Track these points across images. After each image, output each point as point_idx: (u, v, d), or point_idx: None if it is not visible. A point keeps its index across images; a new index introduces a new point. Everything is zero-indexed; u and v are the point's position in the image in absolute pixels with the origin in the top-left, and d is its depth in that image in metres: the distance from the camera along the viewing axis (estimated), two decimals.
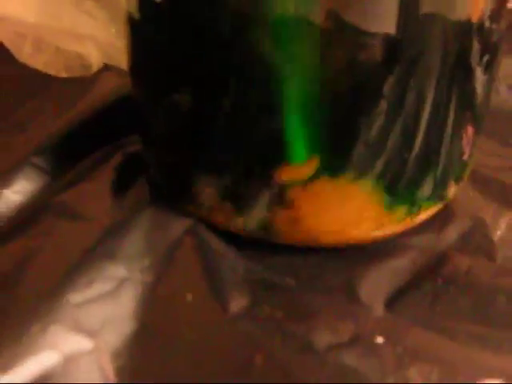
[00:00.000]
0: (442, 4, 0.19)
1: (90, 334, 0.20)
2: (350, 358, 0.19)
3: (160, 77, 0.23)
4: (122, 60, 0.25)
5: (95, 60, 0.29)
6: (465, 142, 0.24)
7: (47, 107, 0.29)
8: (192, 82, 0.21)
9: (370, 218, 0.23)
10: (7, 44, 0.30)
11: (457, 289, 0.23)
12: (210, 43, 0.20)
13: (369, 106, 0.20)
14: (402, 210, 0.23)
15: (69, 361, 0.19)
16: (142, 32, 0.22)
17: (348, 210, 0.23)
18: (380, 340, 0.20)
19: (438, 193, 0.24)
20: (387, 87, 0.20)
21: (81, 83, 0.30)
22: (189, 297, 0.21)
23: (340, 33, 0.19)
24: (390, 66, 0.20)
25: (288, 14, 0.18)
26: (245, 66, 0.20)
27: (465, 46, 0.21)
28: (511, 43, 0.31)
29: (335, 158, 0.21)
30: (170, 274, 0.22)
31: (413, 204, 0.23)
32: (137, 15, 0.21)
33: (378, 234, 0.24)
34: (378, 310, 0.22)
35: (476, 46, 0.21)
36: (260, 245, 0.23)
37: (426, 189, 0.23)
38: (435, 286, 0.23)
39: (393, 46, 0.19)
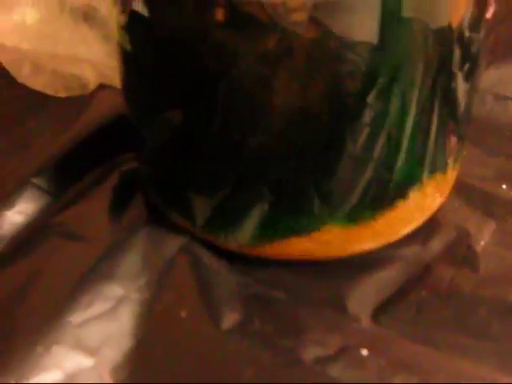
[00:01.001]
0: (422, 11, 0.20)
1: (91, 351, 0.21)
2: (335, 371, 0.21)
3: (151, 97, 0.23)
4: (116, 79, 0.26)
5: (91, 80, 0.30)
6: (448, 151, 0.25)
7: (47, 126, 0.30)
8: (181, 103, 0.22)
9: (355, 231, 0.24)
10: (7, 66, 0.31)
11: (440, 300, 0.23)
12: (198, 73, 0.21)
13: (354, 117, 0.21)
14: (387, 223, 0.24)
15: (71, 378, 0.20)
16: (132, 61, 0.23)
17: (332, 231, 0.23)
18: (365, 352, 0.21)
19: (423, 204, 0.25)
20: (371, 97, 0.21)
21: (79, 102, 0.31)
22: (183, 313, 0.22)
23: (322, 43, 0.19)
24: (373, 76, 0.20)
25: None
26: (229, 92, 0.21)
27: (446, 54, 0.21)
28: (496, 54, 0.32)
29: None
30: (165, 291, 0.23)
31: (398, 216, 0.24)
32: (128, 47, 0.22)
33: (365, 247, 0.25)
34: (365, 321, 0.23)
35: (457, 53, 0.22)
36: (252, 260, 0.24)
37: (411, 200, 0.24)
38: (419, 297, 0.24)
39: (375, 55, 0.20)
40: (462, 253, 0.25)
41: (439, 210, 0.26)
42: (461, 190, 0.28)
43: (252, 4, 0.18)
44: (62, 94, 0.31)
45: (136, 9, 0.21)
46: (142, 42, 0.22)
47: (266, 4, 0.18)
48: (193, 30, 0.20)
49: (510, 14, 0.33)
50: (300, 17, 0.18)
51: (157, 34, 0.21)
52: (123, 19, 0.22)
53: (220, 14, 0.19)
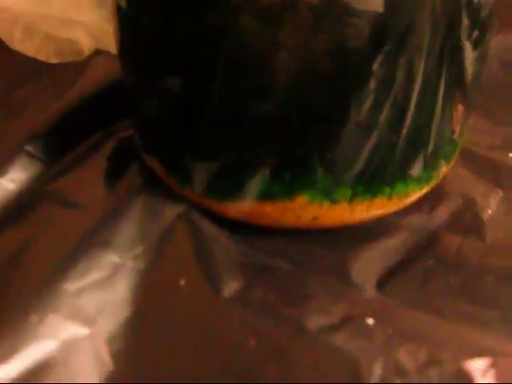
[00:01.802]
0: None
1: (86, 321, 0.20)
2: (340, 339, 0.20)
3: (150, 62, 0.23)
4: (112, 44, 0.25)
5: (86, 45, 0.29)
6: (455, 119, 0.24)
7: (40, 93, 0.29)
8: (182, 65, 0.21)
9: (360, 199, 0.23)
10: None
11: (447, 268, 0.23)
12: (199, 31, 0.20)
13: (358, 85, 0.20)
14: (392, 191, 0.24)
15: (66, 347, 0.20)
16: (129, 20, 0.22)
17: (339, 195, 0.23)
18: (370, 321, 0.21)
19: (429, 172, 0.24)
20: (376, 65, 0.20)
21: (73, 68, 0.30)
22: (182, 282, 0.21)
23: (328, 11, 0.19)
24: (379, 44, 0.20)
25: None
26: (233, 51, 0.20)
27: (454, 22, 0.21)
28: (502, 20, 0.31)
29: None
30: (163, 260, 0.22)
31: (404, 184, 0.24)
32: (124, 4, 0.21)
33: (370, 215, 0.24)
34: (370, 290, 0.22)
35: (465, 21, 0.21)
36: (253, 228, 0.24)
37: (417, 169, 0.24)
38: (426, 265, 0.23)
39: (381, 24, 0.19)
40: (468, 221, 0.25)
41: (445, 178, 0.26)
42: (467, 158, 0.27)
43: None
44: (55, 60, 0.30)
45: None
46: (141, 3, 0.21)
47: None
48: None
49: None
50: None
51: None
52: None
53: None
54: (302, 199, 0.22)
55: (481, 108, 0.29)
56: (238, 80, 0.21)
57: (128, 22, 0.22)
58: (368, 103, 0.21)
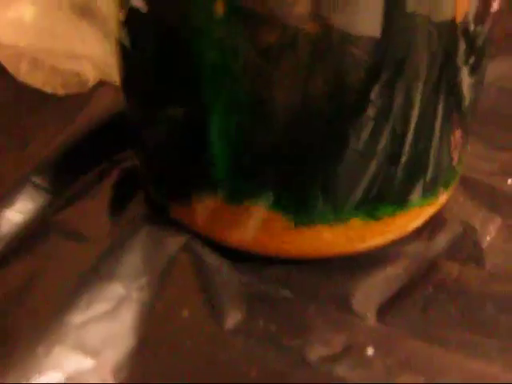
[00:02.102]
0: (426, 5, 0.19)
1: (92, 352, 0.21)
2: (341, 370, 0.20)
3: (150, 96, 0.23)
4: (116, 76, 0.26)
5: (91, 77, 0.30)
6: (453, 146, 0.24)
7: (46, 124, 0.30)
8: (182, 100, 0.22)
9: (359, 228, 0.24)
10: (4, 63, 0.30)
11: (447, 296, 0.23)
12: (199, 68, 0.20)
13: (357, 112, 0.21)
14: (392, 219, 0.24)
15: (73, 379, 0.20)
16: (132, 57, 0.23)
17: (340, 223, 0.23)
18: (371, 351, 0.21)
19: (428, 199, 0.25)
20: (375, 92, 0.20)
21: (78, 99, 0.31)
22: (185, 313, 0.22)
23: (326, 37, 0.19)
24: (377, 71, 0.20)
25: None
26: (232, 89, 0.20)
27: (450, 48, 0.21)
28: (500, 47, 0.32)
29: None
30: (167, 290, 0.22)
31: (403, 212, 0.24)
32: (127, 43, 0.22)
33: (370, 243, 0.24)
34: (371, 319, 0.22)
35: (462, 47, 0.21)
36: (255, 258, 0.24)
37: (416, 196, 0.24)
38: (426, 293, 0.23)
39: (378, 50, 0.20)
40: (467, 249, 0.25)
41: (445, 205, 0.26)
42: (466, 184, 0.28)
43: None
44: (61, 92, 0.30)
45: (135, 4, 0.20)
46: (142, 38, 0.21)
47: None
48: (193, 25, 0.20)
49: None
50: (301, 11, 0.18)
51: (156, 29, 0.21)
52: (122, 15, 0.21)
53: (220, 9, 0.18)
54: (303, 229, 0.23)
55: (480, 134, 0.30)
56: (237, 114, 0.21)
57: (130, 58, 0.23)
58: (367, 131, 0.21)
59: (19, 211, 0.26)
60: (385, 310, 0.23)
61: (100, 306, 0.22)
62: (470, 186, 0.28)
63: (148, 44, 0.21)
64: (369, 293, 0.23)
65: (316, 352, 0.21)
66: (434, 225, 0.26)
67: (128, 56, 0.23)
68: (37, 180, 0.27)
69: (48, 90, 0.30)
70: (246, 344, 0.21)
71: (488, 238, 0.25)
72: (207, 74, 0.20)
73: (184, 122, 0.22)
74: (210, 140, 0.22)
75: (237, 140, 0.22)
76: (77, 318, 0.21)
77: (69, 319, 0.21)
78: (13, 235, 0.25)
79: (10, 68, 0.30)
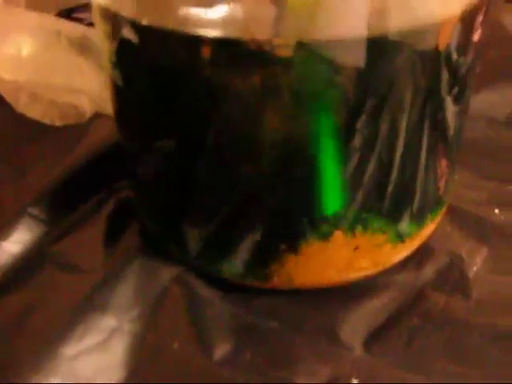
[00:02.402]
0: (410, 34, 0.20)
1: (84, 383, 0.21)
2: None
3: (143, 128, 0.24)
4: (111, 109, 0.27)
5: (88, 109, 0.30)
6: (439, 175, 0.25)
7: (43, 155, 0.31)
8: (172, 134, 0.22)
9: (348, 258, 0.24)
10: (4, 95, 0.31)
11: (432, 327, 0.24)
12: (189, 108, 0.21)
13: (343, 142, 0.21)
14: (380, 249, 0.24)
15: None
16: (124, 95, 0.23)
17: (327, 256, 0.24)
18: (355, 382, 0.21)
19: (415, 229, 0.25)
20: (360, 122, 0.21)
21: (75, 131, 0.31)
22: (175, 345, 0.22)
23: (310, 67, 0.19)
24: (362, 100, 0.20)
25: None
26: (220, 123, 0.21)
27: (434, 78, 0.22)
28: (487, 78, 0.33)
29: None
30: (158, 322, 0.23)
31: (390, 242, 0.25)
32: (120, 82, 0.22)
33: (358, 274, 0.25)
34: (357, 350, 0.23)
35: (445, 77, 0.22)
36: (245, 289, 0.24)
37: (403, 226, 0.24)
38: (412, 324, 0.24)
39: (363, 79, 0.20)
40: (454, 279, 0.25)
41: (432, 235, 0.27)
42: (454, 214, 0.28)
43: (237, 42, 0.19)
44: (59, 123, 0.31)
45: (126, 46, 0.21)
46: (132, 77, 0.22)
47: (250, 42, 0.18)
48: (181, 66, 0.20)
49: (500, 38, 0.34)
50: (284, 53, 0.19)
51: (147, 68, 0.21)
52: (114, 54, 0.22)
53: (207, 52, 0.19)
54: (290, 261, 0.23)
55: (468, 164, 0.30)
56: (224, 151, 0.22)
57: (123, 96, 0.24)
58: (353, 161, 0.22)
59: (16, 242, 0.26)
60: (371, 341, 0.23)
61: (92, 338, 0.22)
62: (457, 216, 0.28)
63: (138, 82, 0.22)
64: (356, 323, 0.24)
65: (301, 383, 0.21)
66: (421, 255, 0.26)
67: (119, 93, 0.24)
68: (34, 211, 0.28)
69: (46, 121, 0.31)
70: (232, 375, 0.21)
71: (474, 269, 0.26)
72: (196, 112, 0.21)
73: (175, 157, 0.23)
74: (198, 175, 0.22)
75: (225, 175, 0.22)
76: (70, 349, 0.22)
77: (62, 351, 0.22)
78: (9, 266, 0.26)
79: (10, 100, 0.31)
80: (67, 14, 0.38)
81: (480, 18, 0.22)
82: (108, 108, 0.30)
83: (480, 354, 0.23)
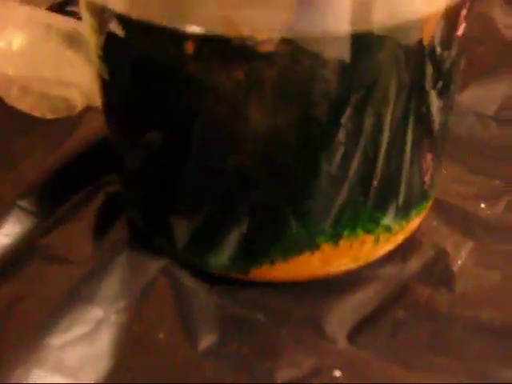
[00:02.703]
0: (393, 28, 0.20)
1: (70, 373, 0.21)
2: None
3: (129, 122, 0.24)
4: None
5: (79, 102, 0.31)
6: (425, 169, 0.25)
7: (33, 148, 0.31)
8: (158, 128, 0.23)
9: (331, 252, 0.24)
10: None
11: (416, 319, 0.24)
12: (173, 100, 0.21)
13: (328, 136, 0.21)
14: (363, 243, 0.25)
15: None
16: (111, 88, 0.23)
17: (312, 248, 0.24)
18: (338, 373, 0.22)
19: (401, 223, 0.25)
20: (345, 117, 0.21)
21: (66, 123, 0.32)
22: (161, 335, 0.23)
23: (295, 61, 0.19)
24: (347, 94, 0.20)
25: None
26: (204, 118, 0.21)
27: (418, 72, 0.22)
28: (476, 73, 0.33)
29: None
30: (144, 313, 0.23)
31: (375, 236, 0.25)
32: (106, 76, 0.23)
33: (343, 267, 0.25)
34: (341, 342, 0.23)
35: (429, 71, 0.22)
36: (231, 281, 0.25)
37: (388, 220, 0.25)
38: (396, 316, 0.24)
39: (347, 74, 0.20)
40: (439, 272, 0.26)
41: (418, 229, 0.27)
42: (440, 208, 0.28)
43: (220, 38, 0.19)
44: (50, 116, 0.31)
45: (112, 40, 0.21)
46: (119, 71, 0.22)
47: (233, 38, 0.19)
48: (166, 61, 0.20)
49: (489, 33, 0.34)
50: (268, 48, 0.19)
51: (133, 63, 0.22)
52: (100, 48, 0.22)
53: (190, 47, 0.19)
54: (275, 253, 0.24)
55: (456, 158, 0.31)
56: (209, 144, 0.22)
57: (110, 90, 0.24)
58: (338, 156, 0.22)
59: (6, 234, 0.27)
60: (356, 333, 0.23)
61: (79, 329, 0.22)
62: (444, 210, 0.28)
63: (124, 72, 0.22)
64: (341, 316, 0.24)
65: (285, 374, 0.21)
66: (407, 249, 0.26)
67: (106, 87, 0.24)
68: (24, 203, 0.28)
69: (37, 114, 0.31)
70: (217, 366, 0.22)
71: (459, 262, 0.26)
72: (181, 106, 0.21)
73: (161, 151, 0.23)
74: (184, 168, 0.23)
75: (210, 167, 0.22)
76: (56, 340, 0.22)
77: (48, 341, 0.22)
78: (0, 258, 0.26)
79: (0, 93, 0.31)
80: (59, 7, 0.38)
81: (464, 13, 0.22)
82: (98, 101, 0.30)
83: (463, 345, 0.23)
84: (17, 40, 0.29)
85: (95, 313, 0.23)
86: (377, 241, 0.25)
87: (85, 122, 0.32)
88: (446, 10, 0.21)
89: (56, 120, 0.32)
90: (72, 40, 0.30)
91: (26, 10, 0.30)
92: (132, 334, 0.23)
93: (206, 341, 0.23)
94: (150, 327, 0.23)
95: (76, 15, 0.36)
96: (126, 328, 0.23)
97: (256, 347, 0.23)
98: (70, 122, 0.32)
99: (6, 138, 0.32)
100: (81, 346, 0.22)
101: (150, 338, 0.22)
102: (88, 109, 0.32)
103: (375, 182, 0.23)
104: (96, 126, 0.31)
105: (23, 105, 0.31)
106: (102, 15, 0.21)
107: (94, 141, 0.31)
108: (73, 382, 0.21)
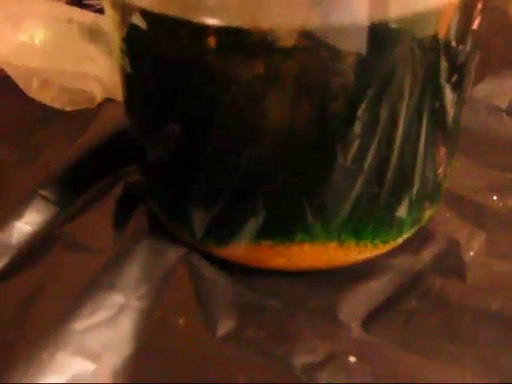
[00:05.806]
0: (409, 20, 0.20)
1: (93, 357, 0.22)
2: (322, 377, 0.22)
3: (150, 113, 0.25)
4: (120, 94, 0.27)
5: (98, 94, 0.31)
6: (438, 162, 0.25)
7: (54, 139, 0.32)
8: (179, 119, 0.23)
9: (347, 243, 0.25)
10: (17, 80, 0.32)
11: (429, 309, 0.24)
12: (193, 94, 0.22)
13: (344, 130, 0.22)
14: (378, 234, 0.25)
15: (74, 382, 0.22)
16: (131, 81, 0.24)
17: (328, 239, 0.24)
18: (352, 359, 0.22)
19: (414, 215, 0.26)
20: (361, 110, 0.21)
21: (85, 115, 0.32)
22: (181, 321, 0.23)
23: (313, 54, 0.20)
24: (363, 87, 0.21)
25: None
26: (224, 110, 0.22)
27: (433, 65, 0.22)
28: (490, 66, 0.33)
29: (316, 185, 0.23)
30: (164, 300, 0.24)
31: (389, 227, 0.25)
32: (127, 68, 0.23)
33: (357, 257, 0.26)
34: (356, 330, 0.24)
35: (444, 65, 0.22)
36: (249, 270, 0.25)
37: (402, 212, 0.25)
38: (409, 306, 0.25)
39: (363, 67, 0.20)
40: (451, 263, 0.26)
41: (431, 220, 0.27)
42: (454, 201, 0.29)
43: (240, 31, 0.19)
44: (69, 108, 0.32)
45: (135, 33, 0.22)
46: (141, 64, 0.23)
47: (253, 32, 0.19)
48: (186, 55, 0.21)
49: (504, 26, 0.34)
50: (287, 43, 0.19)
51: (155, 56, 0.22)
52: (123, 42, 0.23)
53: (211, 42, 0.20)
54: (291, 244, 0.24)
55: (468, 152, 0.31)
56: (228, 137, 0.22)
57: (132, 82, 0.24)
58: (354, 148, 0.22)
59: (28, 223, 0.27)
60: (370, 321, 0.24)
61: (101, 314, 0.23)
62: (457, 203, 0.29)
63: (146, 69, 0.23)
64: (355, 304, 0.25)
65: (300, 359, 0.22)
66: (420, 240, 0.27)
67: (128, 80, 0.24)
68: (45, 193, 0.28)
69: (57, 106, 0.32)
70: (235, 351, 0.22)
71: (471, 253, 0.26)
72: (202, 99, 0.22)
73: (182, 142, 0.24)
74: (204, 158, 0.23)
75: (230, 158, 0.23)
76: (79, 325, 0.23)
77: (72, 326, 0.23)
78: (22, 245, 0.27)
79: (22, 85, 0.32)
80: (77, 0, 0.39)
81: (479, 6, 0.22)
82: (117, 93, 0.31)
83: (474, 334, 0.23)
84: (38, 34, 0.30)
85: (117, 299, 0.24)
86: (391, 232, 0.25)
87: (103, 113, 0.33)
88: (461, 1, 0.21)
89: (76, 112, 0.33)
90: (92, 33, 0.30)
91: (46, 5, 0.31)
92: (152, 320, 0.23)
93: (224, 327, 0.23)
94: (169, 313, 0.23)
95: (94, 8, 0.36)
96: (146, 314, 0.23)
97: (272, 333, 0.23)
98: (89, 113, 0.32)
99: (28, 129, 0.32)
100: (103, 330, 0.23)
101: (169, 324, 0.23)
102: (107, 101, 0.33)
103: (389, 175, 0.23)
104: (114, 118, 0.32)
105: (44, 97, 0.32)
106: (124, 9, 0.22)
107: (113, 132, 0.31)
108: (95, 366, 0.22)
